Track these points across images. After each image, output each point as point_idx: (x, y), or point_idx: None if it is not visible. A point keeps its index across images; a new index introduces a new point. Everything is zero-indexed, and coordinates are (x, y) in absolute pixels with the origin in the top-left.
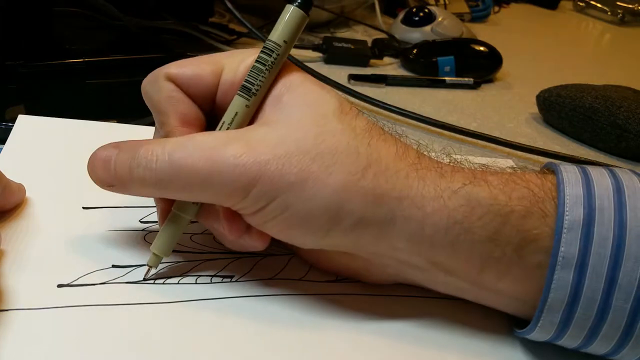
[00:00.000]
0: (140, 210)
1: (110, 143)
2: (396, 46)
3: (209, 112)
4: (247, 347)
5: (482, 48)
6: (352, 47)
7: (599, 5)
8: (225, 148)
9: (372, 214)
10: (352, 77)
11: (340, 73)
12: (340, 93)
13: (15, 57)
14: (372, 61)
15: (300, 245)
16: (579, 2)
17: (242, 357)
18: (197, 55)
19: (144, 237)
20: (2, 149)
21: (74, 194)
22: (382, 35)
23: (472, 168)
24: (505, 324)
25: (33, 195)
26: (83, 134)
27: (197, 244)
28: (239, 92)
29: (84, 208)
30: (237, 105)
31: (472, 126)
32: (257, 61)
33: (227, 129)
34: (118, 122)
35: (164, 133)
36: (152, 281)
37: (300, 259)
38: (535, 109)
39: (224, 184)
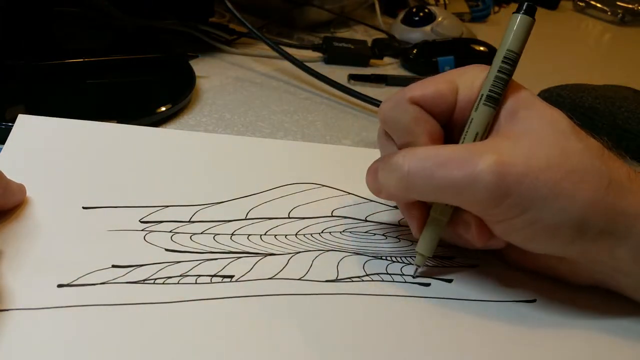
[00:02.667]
0: (140, 210)
1: (380, 157)
2: (396, 46)
3: (444, 128)
4: (247, 347)
5: (482, 48)
6: (352, 47)
7: (599, 5)
8: (480, 158)
9: (611, 228)
10: (352, 77)
11: (340, 73)
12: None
13: (15, 57)
14: (372, 61)
15: (536, 252)
16: (579, 2)
17: (242, 357)
18: (197, 56)
19: (144, 237)
20: (2, 148)
21: (74, 193)
22: (382, 35)
23: None
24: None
25: (33, 195)
26: (83, 134)
27: (197, 244)
28: (484, 102)
29: (84, 208)
30: (485, 115)
31: None
32: (499, 71)
33: (474, 139)
34: (118, 122)
35: None
36: (152, 281)
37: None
38: None
39: (479, 192)
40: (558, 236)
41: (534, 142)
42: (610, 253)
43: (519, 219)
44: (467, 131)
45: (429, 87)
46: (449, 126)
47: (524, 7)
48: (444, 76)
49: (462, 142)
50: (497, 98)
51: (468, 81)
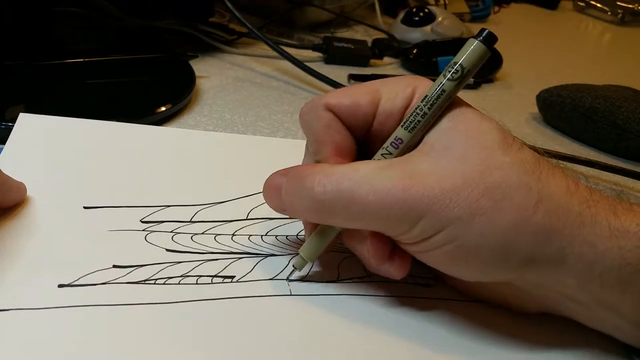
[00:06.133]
0: (141, 210)
1: (280, 170)
2: (396, 46)
3: (362, 140)
4: (247, 348)
5: None
6: (352, 47)
7: (599, 5)
8: (393, 181)
9: (542, 251)
10: (352, 77)
11: (340, 73)
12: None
13: (15, 57)
14: (372, 61)
15: (460, 278)
16: (579, 2)
17: (242, 357)
18: (197, 56)
19: (144, 237)
20: (2, 149)
21: (75, 193)
22: (382, 35)
23: None
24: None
25: (34, 194)
26: (84, 133)
27: (198, 244)
28: (404, 127)
29: (84, 207)
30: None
31: None
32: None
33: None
34: (118, 122)
35: (317, 159)
36: (153, 281)
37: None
38: (535, 109)
39: (391, 216)
40: (478, 261)
41: (452, 159)
42: (552, 278)
43: (433, 239)
44: (383, 147)
45: (347, 96)
46: (366, 138)
47: (484, 35)
48: (367, 86)
49: (375, 158)
50: (414, 127)
51: (392, 95)
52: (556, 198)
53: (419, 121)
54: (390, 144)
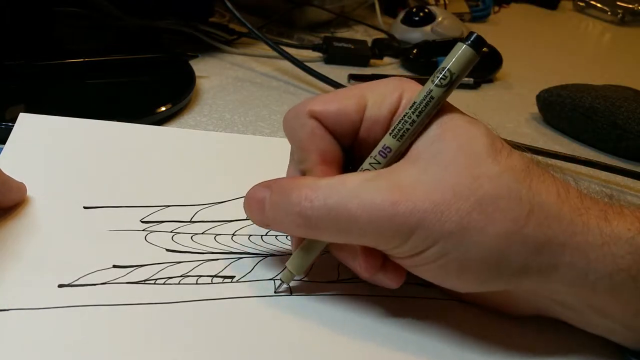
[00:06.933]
0: (141, 210)
1: (263, 182)
2: (396, 46)
3: (348, 147)
4: (247, 348)
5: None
6: (352, 47)
7: (599, 5)
8: (381, 194)
9: (533, 261)
10: (352, 77)
11: (340, 73)
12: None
13: (15, 57)
14: (372, 61)
15: (453, 289)
16: (579, 2)
17: (242, 357)
18: (197, 56)
19: (144, 237)
20: (2, 149)
21: (75, 193)
22: (382, 35)
23: (633, 210)
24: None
25: (34, 194)
26: (84, 133)
27: (198, 244)
28: (392, 134)
29: (84, 207)
30: (394, 146)
31: None
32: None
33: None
34: (118, 122)
35: (302, 168)
36: (153, 281)
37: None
38: (535, 109)
39: (381, 232)
40: (470, 273)
41: (440, 168)
42: (544, 286)
43: (425, 254)
44: (371, 156)
45: (332, 103)
46: (352, 145)
47: (472, 39)
48: (352, 90)
49: (362, 169)
50: (402, 135)
51: (378, 100)
52: (547, 207)
53: (407, 129)
54: (379, 153)
